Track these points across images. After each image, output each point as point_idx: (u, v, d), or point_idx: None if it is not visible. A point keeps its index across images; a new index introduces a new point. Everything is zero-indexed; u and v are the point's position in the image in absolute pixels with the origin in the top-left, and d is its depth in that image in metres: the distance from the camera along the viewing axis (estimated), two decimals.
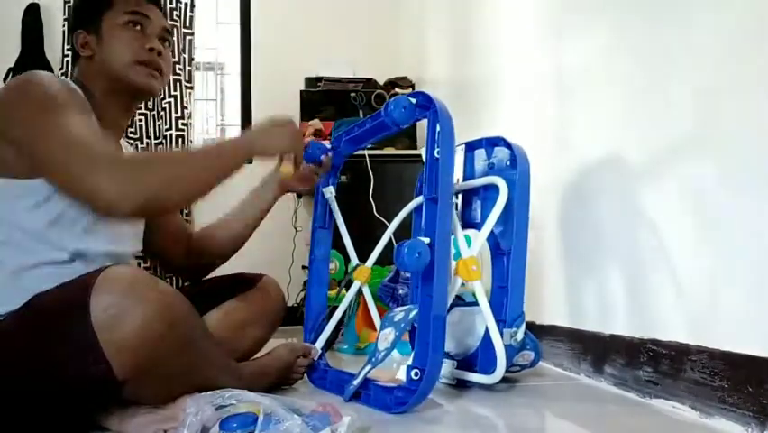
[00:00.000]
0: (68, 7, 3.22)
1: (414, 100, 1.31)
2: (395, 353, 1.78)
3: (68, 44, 3.23)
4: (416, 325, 1.36)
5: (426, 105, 1.29)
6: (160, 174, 1.10)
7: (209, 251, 1.54)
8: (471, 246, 1.41)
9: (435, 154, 1.24)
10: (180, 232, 1.54)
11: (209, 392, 1.00)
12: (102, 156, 1.06)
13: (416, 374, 1.17)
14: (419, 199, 1.65)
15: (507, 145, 1.46)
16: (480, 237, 1.41)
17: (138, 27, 1.28)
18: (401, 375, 1.21)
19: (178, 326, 1.02)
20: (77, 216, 1.13)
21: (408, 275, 1.73)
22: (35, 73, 1.17)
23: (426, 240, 1.20)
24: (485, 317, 1.36)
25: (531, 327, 1.66)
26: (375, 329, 1.69)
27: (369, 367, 1.27)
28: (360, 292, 1.69)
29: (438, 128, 1.24)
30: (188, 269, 1.56)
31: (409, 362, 1.21)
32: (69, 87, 1.18)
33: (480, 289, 1.36)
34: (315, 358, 1.49)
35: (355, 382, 1.27)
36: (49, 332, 0.97)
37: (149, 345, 0.97)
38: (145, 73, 1.27)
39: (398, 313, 1.36)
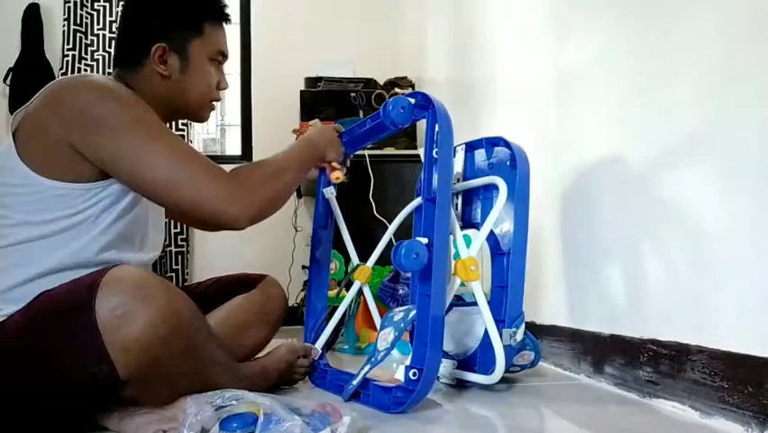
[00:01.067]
0: (68, 7, 3.23)
1: (413, 100, 1.31)
2: (395, 352, 1.78)
3: (68, 44, 3.22)
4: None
5: (425, 105, 1.29)
6: (266, 191, 1.21)
7: None
8: (471, 246, 1.41)
9: (434, 154, 1.23)
10: None
11: (209, 393, 1.00)
12: (219, 176, 1.14)
13: (414, 374, 1.17)
14: (419, 200, 1.65)
15: (507, 145, 1.46)
16: (479, 237, 1.41)
17: (219, 63, 1.31)
18: (400, 375, 1.21)
19: (183, 329, 1.02)
20: (109, 225, 1.13)
21: (408, 275, 1.73)
22: (98, 78, 1.17)
23: (424, 240, 1.20)
24: (484, 318, 1.36)
25: (531, 326, 1.66)
26: (376, 329, 1.69)
27: (368, 367, 1.27)
28: (360, 292, 1.69)
29: (437, 128, 1.24)
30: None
31: (408, 362, 1.21)
32: (137, 98, 1.17)
33: (479, 289, 1.36)
34: (316, 358, 1.49)
35: (354, 382, 1.27)
36: (53, 329, 0.97)
37: (153, 348, 0.97)
38: (211, 109, 1.34)
39: (398, 313, 1.36)
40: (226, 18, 1.31)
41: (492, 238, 1.45)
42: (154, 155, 1.09)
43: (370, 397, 1.25)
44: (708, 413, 1.11)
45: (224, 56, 1.32)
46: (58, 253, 1.08)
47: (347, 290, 1.68)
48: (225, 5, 1.31)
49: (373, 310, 1.71)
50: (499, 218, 1.42)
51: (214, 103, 1.33)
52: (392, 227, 1.67)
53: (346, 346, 2.12)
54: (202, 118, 1.34)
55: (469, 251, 1.39)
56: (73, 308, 0.97)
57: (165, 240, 3.21)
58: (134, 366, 0.96)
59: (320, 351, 1.52)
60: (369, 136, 1.48)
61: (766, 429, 0.98)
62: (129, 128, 1.09)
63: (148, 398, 1.05)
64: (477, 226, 1.51)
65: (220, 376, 1.13)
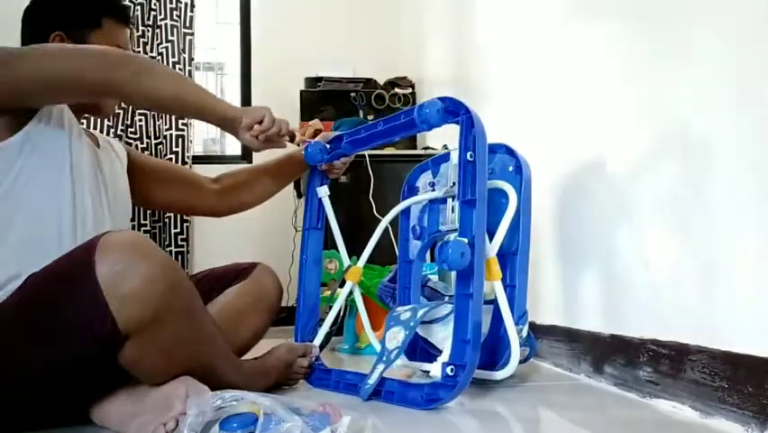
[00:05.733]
0: None
1: (442, 105, 1.32)
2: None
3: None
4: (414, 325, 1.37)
5: (455, 110, 1.31)
6: (154, 73, 1.18)
7: (238, 197, 1.61)
8: (489, 248, 1.42)
9: (468, 158, 1.26)
10: (200, 181, 1.59)
11: (209, 393, 1.00)
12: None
13: (452, 370, 1.20)
14: (409, 201, 1.66)
15: (510, 152, 1.50)
16: (495, 240, 1.43)
17: None
18: (436, 371, 1.24)
19: (180, 288, 1.04)
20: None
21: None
22: None
23: (464, 240, 1.22)
24: (503, 316, 1.39)
25: (531, 326, 1.66)
26: (374, 329, 1.70)
27: (382, 366, 1.30)
28: (352, 292, 1.69)
29: (473, 133, 1.27)
30: (219, 210, 1.62)
31: (445, 358, 1.25)
32: None
33: (501, 288, 1.39)
34: (314, 357, 1.49)
35: (371, 381, 1.29)
36: (54, 293, 0.99)
37: (152, 301, 0.98)
38: (113, 104, 1.35)
39: (404, 312, 1.38)
40: (126, 20, 1.35)
41: None
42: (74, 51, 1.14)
43: (394, 395, 1.27)
44: (708, 413, 1.11)
45: (122, 49, 1.30)
46: None
47: (341, 290, 1.68)
48: (126, 8, 1.36)
49: (362, 311, 1.70)
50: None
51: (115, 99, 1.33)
52: (380, 227, 1.68)
53: (345, 347, 2.12)
54: (105, 112, 1.35)
55: (489, 252, 1.40)
56: (73, 270, 0.99)
57: (165, 240, 3.24)
58: (134, 320, 0.98)
59: (318, 350, 1.52)
60: (380, 138, 1.46)
61: (766, 429, 0.98)
62: (35, 46, 1.16)
63: (145, 365, 1.05)
64: None
65: (219, 362, 1.15)
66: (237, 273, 1.52)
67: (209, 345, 1.13)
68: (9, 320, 1.01)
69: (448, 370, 1.21)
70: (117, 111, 3.24)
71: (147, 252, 1.00)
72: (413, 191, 1.71)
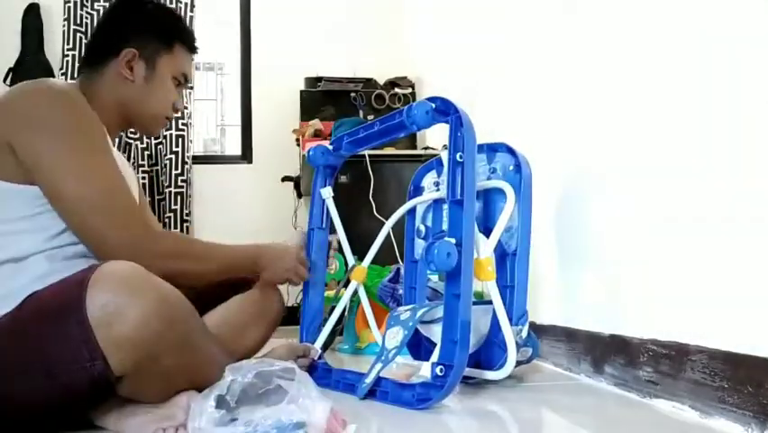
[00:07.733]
0: (68, 7, 3.23)
1: (433, 105, 1.32)
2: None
3: (68, 44, 3.23)
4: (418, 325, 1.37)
5: (445, 110, 1.31)
6: (171, 267, 1.16)
7: None
8: (485, 248, 1.42)
9: (458, 158, 1.25)
10: None
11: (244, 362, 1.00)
12: (134, 225, 1.14)
13: (441, 370, 1.20)
14: (414, 201, 1.66)
15: (510, 151, 1.50)
16: (492, 239, 1.43)
17: (179, 84, 1.35)
18: (425, 371, 1.24)
19: (176, 323, 1.01)
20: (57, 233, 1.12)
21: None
22: (53, 82, 1.17)
23: (452, 240, 1.22)
24: (498, 316, 1.38)
25: (531, 326, 1.66)
26: (370, 328, 1.70)
27: (380, 366, 1.30)
28: (356, 292, 1.69)
29: (461, 133, 1.26)
30: None
31: (434, 358, 1.24)
32: (91, 112, 1.17)
33: (495, 288, 1.39)
34: (315, 358, 1.49)
35: (368, 381, 1.29)
36: (45, 329, 0.97)
37: (147, 343, 0.96)
38: (163, 125, 1.38)
39: (404, 312, 1.39)
40: (194, 49, 1.39)
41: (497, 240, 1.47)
42: (85, 170, 1.10)
43: (389, 394, 1.27)
44: (708, 413, 1.11)
45: (186, 80, 1.37)
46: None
47: (345, 290, 1.68)
48: (196, 39, 1.39)
49: (368, 310, 1.71)
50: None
51: (167, 120, 1.37)
52: (386, 228, 1.68)
53: (346, 346, 2.12)
54: (153, 131, 1.39)
55: (484, 252, 1.40)
56: (64, 306, 0.96)
57: None
58: (128, 362, 0.96)
59: (319, 351, 1.52)
60: (377, 138, 1.47)
61: (766, 429, 0.98)
62: (69, 134, 1.10)
63: (144, 395, 1.04)
64: (478, 228, 1.51)
65: (217, 374, 1.13)
66: (242, 282, 1.51)
67: (209, 366, 1.11)
68: (3, 340, 0.99)
69: (437, 370, 1.21)
70: None
71: (140, 289, 0.96)
72: (418, 191, 1.71)
